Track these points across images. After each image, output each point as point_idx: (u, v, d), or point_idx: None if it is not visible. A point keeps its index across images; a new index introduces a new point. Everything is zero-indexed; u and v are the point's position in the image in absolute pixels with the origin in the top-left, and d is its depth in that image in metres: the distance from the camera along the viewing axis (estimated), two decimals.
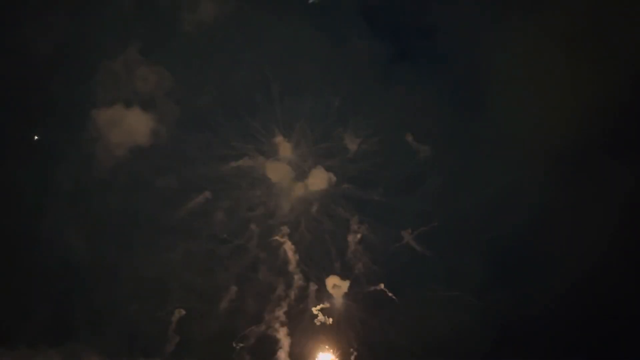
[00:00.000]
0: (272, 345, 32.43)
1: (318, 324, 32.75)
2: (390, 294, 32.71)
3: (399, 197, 33.46)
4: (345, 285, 33.13)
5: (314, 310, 32.82)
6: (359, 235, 33.42)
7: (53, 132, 33.14)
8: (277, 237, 33.43)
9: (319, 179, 33.65)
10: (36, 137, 33.48)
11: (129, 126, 32.28)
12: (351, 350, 32.54)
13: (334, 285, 33.19)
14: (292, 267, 33.36)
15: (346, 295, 33.08)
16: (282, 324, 32.67)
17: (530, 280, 32.00)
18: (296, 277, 33.31)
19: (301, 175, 33.91)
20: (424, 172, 33.55)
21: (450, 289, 32.28)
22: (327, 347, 32.71)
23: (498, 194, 32.30)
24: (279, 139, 33.83)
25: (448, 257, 32.78)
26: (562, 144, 31.63)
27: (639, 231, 30.91)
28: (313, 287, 33.31)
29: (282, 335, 32.56)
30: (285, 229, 33.56)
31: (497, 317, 31.39)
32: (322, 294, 33.16)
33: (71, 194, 32.42)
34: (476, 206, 32.72)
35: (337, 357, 32.65)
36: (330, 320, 32.87)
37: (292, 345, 32.45)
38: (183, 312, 32.28)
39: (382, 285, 32.81)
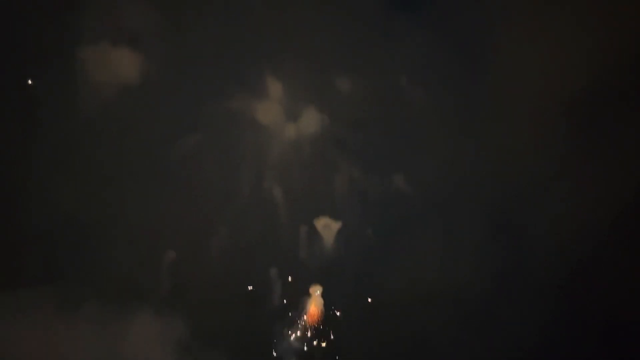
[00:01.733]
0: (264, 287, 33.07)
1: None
2: (380, 240, 33.39)
3: (392, 140, 33.68)
4: (335, 225, 33.46)
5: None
6: (350, 179, 33.75)
7: (37, 73, 32.47)
8: (267, 181, 33.62)
9: (310, 121, 33.56)
10: (29, 82, 32.75)
11: (115, 65, 31.70)
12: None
13: (324, 226, 33.53)
14: (281, 210, 33.66)
15: (337, 237, 33.44)
16: (272, 266, 33.17)
17: (529, 234, 32.41)
18: (286, 220, 33.68)
19: (292, 116, 33.78)
20: (419, 118, 33.54)
21: (445, 238, 32.70)
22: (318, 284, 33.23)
23: (497, 145, 32.36)
24: (269, 78, 33.46)
25: (442, 206, 33.21)
26: (568, 98, 31.40)
27: None
28: (303, 229, 33.63)
29: (274, 275, 33.11)
30: (275, 173, 33.74)
31: (493, 268, 31.83)
32: (313, 237, 33.57)
33: (57, 137, 32.03)
34: (474, 158, 33.03)
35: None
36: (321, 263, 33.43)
37: (283, 285, 33.07)
38: (174, 255, 32.58)
39: (369, 231, 33.46)
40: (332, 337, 32.50)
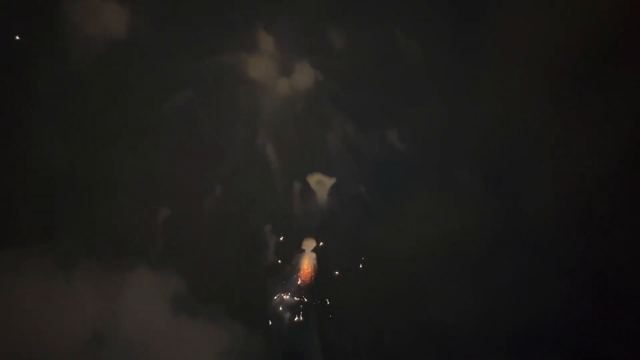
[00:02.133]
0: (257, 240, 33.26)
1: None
2: (376, 197, 33.43)
3: (387, 96, 33.51)
4: (329, 181, 33.55)
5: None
6: (343, 135, 33.64)
7: (25, 29, 31.91)
8: (260, 137, 33.49)
9: (303, 76, 33.32)
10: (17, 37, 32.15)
11: (105, 20, 31.22)
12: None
13: (318, 182, 33.61)
14: (275, 167, 33.66)
15: (331, 194, 33.57)
16: (267, 222, 33.35)
17: (526, 188, 32.50)
18: (279, 176, 33.71)
19: (284, 71, 33.55)
20: (415, 74, 33.50)
21: (442, 193, 32.67)
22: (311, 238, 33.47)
23: (493, 100, 32.31)
24: (260, 32, 33.13)
25: (438, 162, 33.29)
26: (564, 51, 31.49)
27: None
28: (297, 185, 33.74)
29: (267, 231, 33.32)
30: (268, 129, 33.60)
31: (490, 223, 31.93)
32: (307, 193, 33.66)
33: (49, 93, 31.70)
34: (470, 113, 32.89)
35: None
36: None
37: (277, 242, 33.28)
38: (168, 211, 32.64)
39: (363, 188, 33.46)
40: (325, 294, 32.66)
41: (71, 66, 31.40)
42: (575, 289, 30.43)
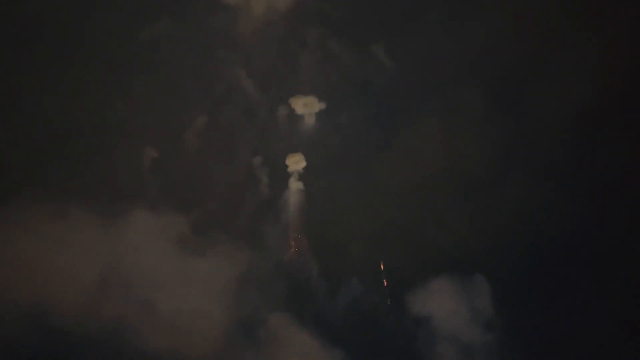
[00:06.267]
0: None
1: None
2: (375, 123, 33.34)
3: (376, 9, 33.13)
4: (317, 105, 33.34)
5: None
6: (329, 54, 33.25)
7: None
8: (238, 66, 33.06)
9: None
10: None
11: None
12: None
13: (305, 105, 33.36)
14: (257, 94, 33.38)
15: (319, 117, 33.49)
16: (255, 153, 33.36)
17: (530, 112, 32.55)
18: (263, 104, 33.51)
19: None
20: None
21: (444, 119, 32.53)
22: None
23: (496, 21, 31.99)
24: None
25: (440, 86, 32.91)
26: None
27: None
28: (282, 111, 33.60)
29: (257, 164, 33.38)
30: (247, 55, 33.19)
31: (495, 148, 32.10)
32: (293, 118, 33.54)
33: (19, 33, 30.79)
34: (471, 32, 32.43)
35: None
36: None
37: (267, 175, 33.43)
38: (154, 152, 32.47)
39: (356, 112, 33.29)
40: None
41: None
42: (581, 209, 31.20)
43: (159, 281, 29.13)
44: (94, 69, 31.48)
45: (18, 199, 28.62)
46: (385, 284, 31.94)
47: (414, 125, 32.70)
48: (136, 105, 31.84)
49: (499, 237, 30.73)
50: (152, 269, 29.30)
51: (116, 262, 29.13)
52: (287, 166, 33.30)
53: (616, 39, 31.08)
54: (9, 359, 27.43)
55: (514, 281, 30.86)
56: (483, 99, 32.48)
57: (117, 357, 28.02)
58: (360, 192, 33.06)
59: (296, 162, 33.38)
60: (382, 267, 32.15)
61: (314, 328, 30.13)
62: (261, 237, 32.27)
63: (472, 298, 30.48)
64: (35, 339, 27.25)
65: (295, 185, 33.21)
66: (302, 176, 33.33)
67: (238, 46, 33.19)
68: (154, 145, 32.47)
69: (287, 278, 31.73)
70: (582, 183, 31.70)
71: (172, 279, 29.32)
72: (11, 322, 27.06)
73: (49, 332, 27.34)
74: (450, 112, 32.71)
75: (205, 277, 29.66)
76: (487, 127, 32.15)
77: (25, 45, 30.99)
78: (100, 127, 31.46)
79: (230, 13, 32.76)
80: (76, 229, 28.85)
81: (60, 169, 31.02)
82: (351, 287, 31.83)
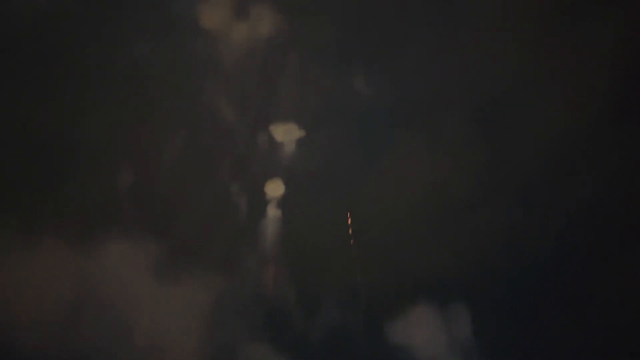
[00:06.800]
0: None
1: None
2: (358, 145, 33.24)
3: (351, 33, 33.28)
4: (296, 130, 33.28)
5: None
6: (307, 80, 33.36)
7: None
8: (217, 91, 33.02)
9: (260, 18, 32.83)
10: None
11: None
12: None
13: (285, 131, 33.27)
14: (236, 120, 33.34)
15: (299, 144, 33.41)
16: (233, 179, 33.03)
17: (515, 135, 32.60)
18: (242, 130, 33.43)
19: (241, 12, 32.96)
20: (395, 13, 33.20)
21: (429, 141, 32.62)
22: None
23: (480, 44, 32.39)
24: None
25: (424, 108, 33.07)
26: None
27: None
28: (262, 137, 33.47)
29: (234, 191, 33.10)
30: (226, 80, 33.15)
31: (479, 170, 32.14)
32: (273, 145, 33.43)
33: None
34: (456, 53, 32.69)
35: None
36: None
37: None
38: (129, 176, 31.93)
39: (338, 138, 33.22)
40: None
41: (9, 20, 30.33)
42: (565, 236, 31.36)
43: (133, 309, 28.62)
44: (67, 90, 31.28)
45: None
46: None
47: (394, 151, 32.73)
48: (111, 129, 31.52)
49: (480, 264, 30.71)
50: (126, 296, 28.90)
51: (88, 289, 28.66)
52: (265, 193, 33.14)
53: (598, 65, 31.69)
54: None
55: (495, 309, 30.72)
56: (465, 124, 32.74)
57: None
58: (340, 220, 32.84)
59: (275, 189, 33.19)
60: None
61: (291, 355, 29.70)
62: (238, 265, 31.76)
63: (452, 325, 30.31)
64: None
65: (273, 212, 32.98)
66: (281, 203, 33.10)
67: (218, 71, 33.19)
68: (129, 169, 32.02)
69: (264, 305, 31.22)
70: (565, 210, 31.79)
71: (146, 306, 28.83)
72: None
73: None
74: (432, 138, 32.88)
75: (181, 305, 29.24)
76: (469, 152, 32.36)
77: None
78: (73, 149, 31.14)
79: (211, 38, 32.80)
80: (46, 254, 28.27)
81: (29, 192, 30.49)
82: (329, 314, 31.41)
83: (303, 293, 31.61)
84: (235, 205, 32.77)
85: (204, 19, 32.54)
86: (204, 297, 29.60)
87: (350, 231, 32.46)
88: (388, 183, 32.23)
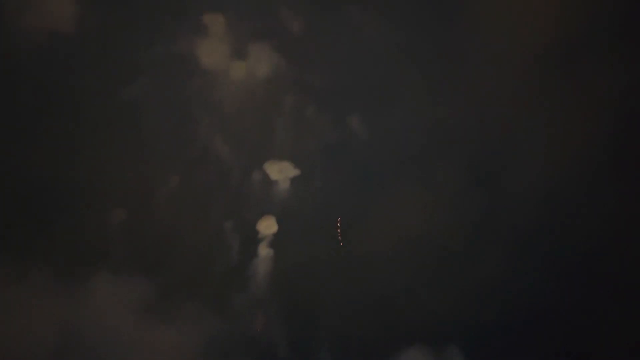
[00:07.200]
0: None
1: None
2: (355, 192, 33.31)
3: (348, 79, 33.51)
4: (291, 169, 33.24)
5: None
6: (303, 121, 33.52)
7: None
8: (214, 130, 33.05)
9: (261, 61, 33.04)
10: None
11: (47, 10, 30.09)
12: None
13: (280, 170, 33.22)
14: (231, 159, 33.29)
15: (294, 183, 33.37)
16: (226, 218, 32.95)
17: (507, 184, 32.77)
18: (237, 168, 33.39)
19: (241, 56, 33.10)
20: (392, 64, 33.26)
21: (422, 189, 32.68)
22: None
23: (473, 95, 32.67)
24: (209, 15, 32.55)
25: (418, 156, 33.30)
26: (543, 49, 32.01)
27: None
28: (257, 176, 33.39)
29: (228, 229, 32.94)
30: (223, 119, 33.20)
31: (473, 219, 32.36)
32: (268, 183, 33.36)
33: None
34: (449, 105, 32.98)
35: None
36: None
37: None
38: (122, 213, 31.83)
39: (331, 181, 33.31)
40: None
41: (12, 60, 30.20)
42: (557, 283, 31.48)
43: (122, 347, 28.06)
44: (62, 128, 31.17)
45: None
46: None
47: (387, 196, 32.78)
48: (107, 165, 31.40)
49: (472, 309, 30.74)
50: (115, 335, 28.20)
51: (77, 327, 27.97)
52: (258, 232, 32.95)
53: (596, 115, 31.84)
54: None
55: (487, 352, 30.53)
56: (458, 172, 32.82)
57: None
58: (332, 261, 32.76)
59: (268, 227, 33.03)
60: None
61: None
62: (229, 305, 31.48)
63: None
64: None
65: (265, 251, 32.76)
66: (273, 242, 32.91)
67: (215, 111, 33.19)
68: (122, 206, 31.81)
69: (255, 349, 30.85)
70: (555, 259, 31.89)
71: (135, 345, 28.29)
72: None
73: None
74: (425, 184, 32.95)
75: (170, 344, 28.74)
76: (462, 200, 32.41)
77: None
78: (67, 186, 30.86)
79: (210, 78, 32.92)
80: (32, 291, 27.78)
81: (22, 229, 30.17)
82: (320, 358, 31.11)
83: (294, 337, 31.35)
84: (227, 244, 32.66)
85: (201, 58, 32.64)
86: (194, 338, 29.06)
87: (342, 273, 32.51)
88: (382, 228, 32.12)
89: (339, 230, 32.77)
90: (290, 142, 33.64)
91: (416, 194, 32.57)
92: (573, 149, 31.57)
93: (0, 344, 26.77)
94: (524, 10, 32.30)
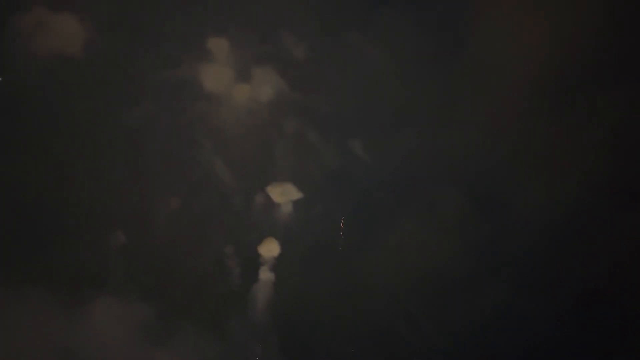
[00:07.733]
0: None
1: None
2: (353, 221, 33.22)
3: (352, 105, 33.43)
4: (294, 191, 33.18)
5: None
6: (306, 145, 33.38)
7: None
8: (216, 153, 33.03)
9: (264, 86, 33.08)
10: None
11: (53, 34, 30.48)
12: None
13: (282, 193, 33.15)
14: (232, 182, 33.28)
15: (297, 206, 33.24)
16: (227, 241, 32.89)
17: (512, 213, 32.49)
18: (238, 191, 33.34)
19: (244, 81, 33.17)
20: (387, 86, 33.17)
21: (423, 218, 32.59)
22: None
23: (475, 122, 32.33)
24: (213, 40, 32.70)
25: (419, 185, 32.95)
26: (546, 75, 31.78)
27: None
28: (259, 199, 33.34)
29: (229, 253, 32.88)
30: (225, 142, 33.19)
31: (476, 250, 32.08)
32: (270, 207, 33.29)
33: None
34: (451, 132, 32.66)
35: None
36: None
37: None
38: (123, 235, 31.82)
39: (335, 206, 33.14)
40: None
41: (18, 83, 30.60)
42: (562, 315, 31.19)
43: None
44: (63, 150, 31.29)
45: None
46: None
47: (391, 223, 32.78)
48: (108, 188, 31.52)
49: (474, 339, 30.60)
50: (113, 358, 28.52)
51: (75, 350, 28.20)
52: (259, 255, 32.86)
53: (597, 147, 31.66)
54: None
55: None
56: (462, 200, 32.68)
57: None
58: (334, 287, 32.55)
59: (269, 250, 32.92)
60: None
61: None
62: (229, 331, 31.43)
63: None
64: None
65: (266, 276, 32.68)
66: (275, 266, 32.81)
67: (218, 134, 33.23)
68: (123, 229, 31.85)
69: None
70: (560, 290, 31.48)
71: None
72: None
73: None
74: (429, 212, 32.80)
75: None
76: (466, 229, 32.30)
77: None
78: (67, 208, 31.01)
79: (212, 101, 33.02)
80: (33, 313, 27.91)
81: (21, 251, 30.31)
82: None
83: None
84: (228, 267, 32.63)
85: (204, 82, 32.77)
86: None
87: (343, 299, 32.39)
88: (384, 255, 32.09)
89: (341, 234, 32.72)
90: (293, 165, 33.69)
91: (419, 221, 32.57)
92: (580, 179, 31.33)
93: None
94: (533, 37, 32.20)
